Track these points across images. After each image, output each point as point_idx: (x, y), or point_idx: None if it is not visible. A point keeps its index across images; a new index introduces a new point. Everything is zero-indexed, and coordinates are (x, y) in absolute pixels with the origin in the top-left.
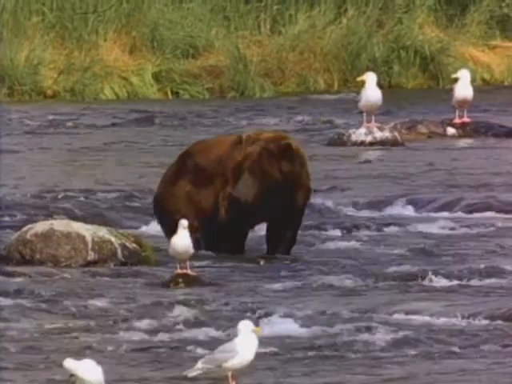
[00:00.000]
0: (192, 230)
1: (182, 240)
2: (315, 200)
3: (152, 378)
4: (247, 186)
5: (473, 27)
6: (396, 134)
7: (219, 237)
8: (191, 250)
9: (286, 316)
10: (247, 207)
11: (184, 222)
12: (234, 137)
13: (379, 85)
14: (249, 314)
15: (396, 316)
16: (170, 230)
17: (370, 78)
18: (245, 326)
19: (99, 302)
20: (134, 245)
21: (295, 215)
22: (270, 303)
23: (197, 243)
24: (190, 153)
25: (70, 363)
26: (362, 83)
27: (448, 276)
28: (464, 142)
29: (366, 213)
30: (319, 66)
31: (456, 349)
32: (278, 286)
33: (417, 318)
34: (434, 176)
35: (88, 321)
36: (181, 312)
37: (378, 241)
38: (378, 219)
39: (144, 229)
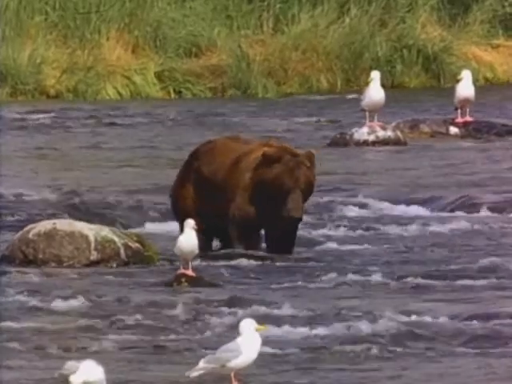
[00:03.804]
0: (197, 230)
1: (189, 240)
2: (318, 199)
3: (154, 377)
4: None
5: (476, 26)
6: (399, 133)
7: (221, 239)
8: (196, 251)
9: (289, 315)
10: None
11: (190, 222)
12: (235, 153)
13: (382, 84)
14: (252, 314)
15: (399, 315)
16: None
17: (376, 77)
18: (247, 325)
19: (102, 302)
20: (137, 244)
21: None
22: (272, 303)
23: (201, 244)
24: (197, 154)
25: (76, 379)
26: (367, 83)
27: (452, 275)
28: (466, 142)
29: (368, 212)
30: (322, 65)
31: (459, 349)
32: (280, 285)
33: (420, 318)
34: (437, 175)
35: (90, 320)
36: (183, 312)
37: (381, 240)
38: (381, 218)
39: (147, 228)
